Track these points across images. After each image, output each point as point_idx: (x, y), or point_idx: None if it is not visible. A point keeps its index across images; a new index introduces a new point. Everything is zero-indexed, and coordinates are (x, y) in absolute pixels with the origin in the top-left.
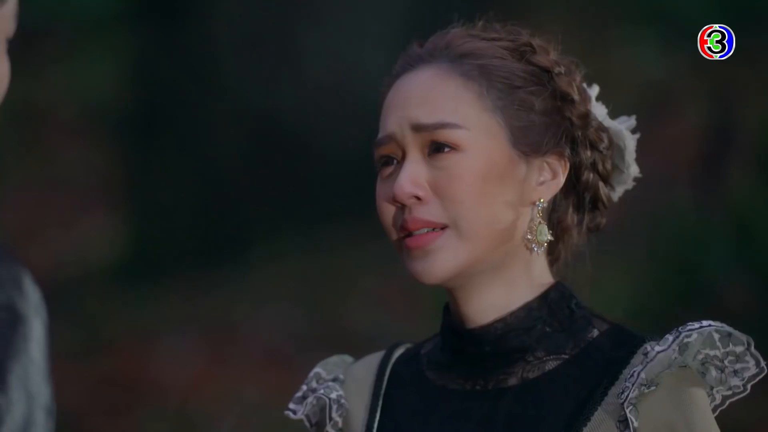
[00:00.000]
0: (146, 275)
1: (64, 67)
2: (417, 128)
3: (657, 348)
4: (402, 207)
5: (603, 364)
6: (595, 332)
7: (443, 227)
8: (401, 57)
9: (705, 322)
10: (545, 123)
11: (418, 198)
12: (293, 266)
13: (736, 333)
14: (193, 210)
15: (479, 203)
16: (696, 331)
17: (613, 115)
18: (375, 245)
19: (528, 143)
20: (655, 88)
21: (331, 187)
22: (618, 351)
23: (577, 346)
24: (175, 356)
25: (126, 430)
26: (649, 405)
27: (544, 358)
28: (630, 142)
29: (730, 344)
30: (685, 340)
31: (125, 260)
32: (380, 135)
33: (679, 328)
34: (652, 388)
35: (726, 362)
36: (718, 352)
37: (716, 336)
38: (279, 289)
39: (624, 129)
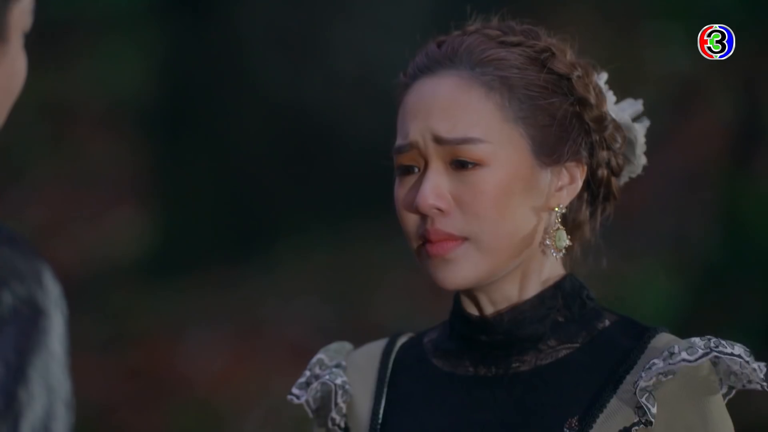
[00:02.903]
0: (174, 269)
1: (92, 61)
2: (439, 141)
3: (684, 355)
4: (424, 216)
5: (616, 352)
6: (606, 322)
7: (464, 239)
8: (419, 55)
9: (737, 349)
10: (565, 130)
11: (440, 210)
12: (320, 260)
13: (760, 365)
14: (220, 204)
15: (501, 218)
16: (727, 357)
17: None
18: (402, 239)
19: (549, 153)
20: (684, 83)
21: (358, 182)
22: (630, 341)
23: (589, 335)
24: (203, 350)
25: (154, 423)
26: (665, 394)
27: (557, 347)
28: (641, 135)
29: (751, 368)
30: (714, 360)
31: (153, 254)
32: (402, 142)
33: (711, 344)
34: (670, 377)
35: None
36: (738, 370)
37: (741, 362)
38: (306, 283)
39: (635, 123)
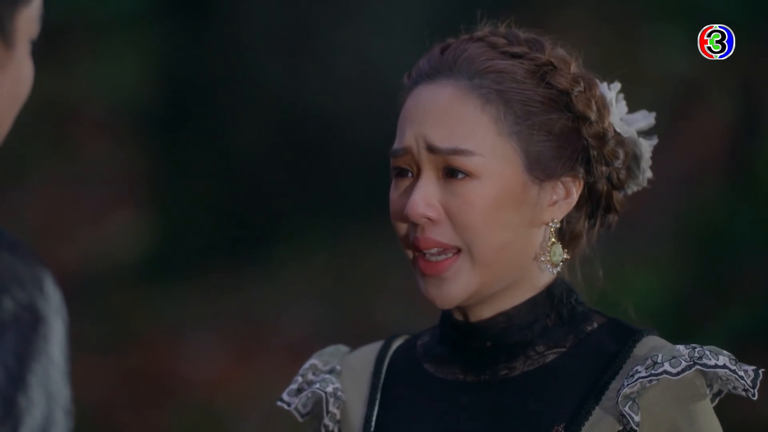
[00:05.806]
0: (173, 271)
1: (91, 63)
2: (432, 149)
3: (667, 367)
4: (415, 224)
5: (602, 357)
6: (594, 325)
7: (457, 250)
8: (422, 59)
9: (722, 359)
10: (562, 146)
11: (430, 219)
12: (320, 262)
13: (747, 371)
14: (220, 206)
15: (490, 230)
16: (710, 369)
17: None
18: None
19: (542, 168)
20: (683, 85)
21: (358, 184)
22: (617, 344)
23: (576, 339)
24: (203, 352)
25: (154, 424)
26: (649, 399)
27: (545, 352)
28: (646, 150)
29: (736, 375)
30: (697, 370)
31: (152, 256)
32: (397, 146)
33: (695, 355)
34: (654, 382)
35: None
36: (723, 376)
37: (726, 372)
38: (306, 285)
39: (641, 138)
